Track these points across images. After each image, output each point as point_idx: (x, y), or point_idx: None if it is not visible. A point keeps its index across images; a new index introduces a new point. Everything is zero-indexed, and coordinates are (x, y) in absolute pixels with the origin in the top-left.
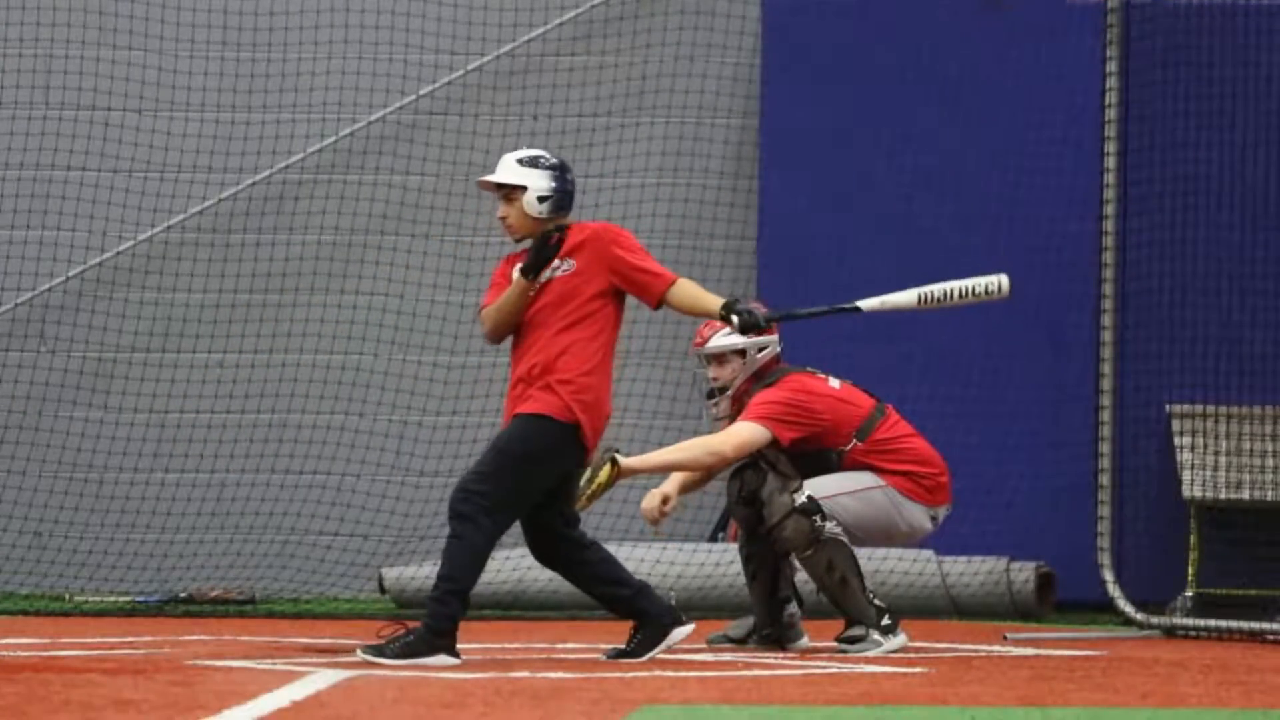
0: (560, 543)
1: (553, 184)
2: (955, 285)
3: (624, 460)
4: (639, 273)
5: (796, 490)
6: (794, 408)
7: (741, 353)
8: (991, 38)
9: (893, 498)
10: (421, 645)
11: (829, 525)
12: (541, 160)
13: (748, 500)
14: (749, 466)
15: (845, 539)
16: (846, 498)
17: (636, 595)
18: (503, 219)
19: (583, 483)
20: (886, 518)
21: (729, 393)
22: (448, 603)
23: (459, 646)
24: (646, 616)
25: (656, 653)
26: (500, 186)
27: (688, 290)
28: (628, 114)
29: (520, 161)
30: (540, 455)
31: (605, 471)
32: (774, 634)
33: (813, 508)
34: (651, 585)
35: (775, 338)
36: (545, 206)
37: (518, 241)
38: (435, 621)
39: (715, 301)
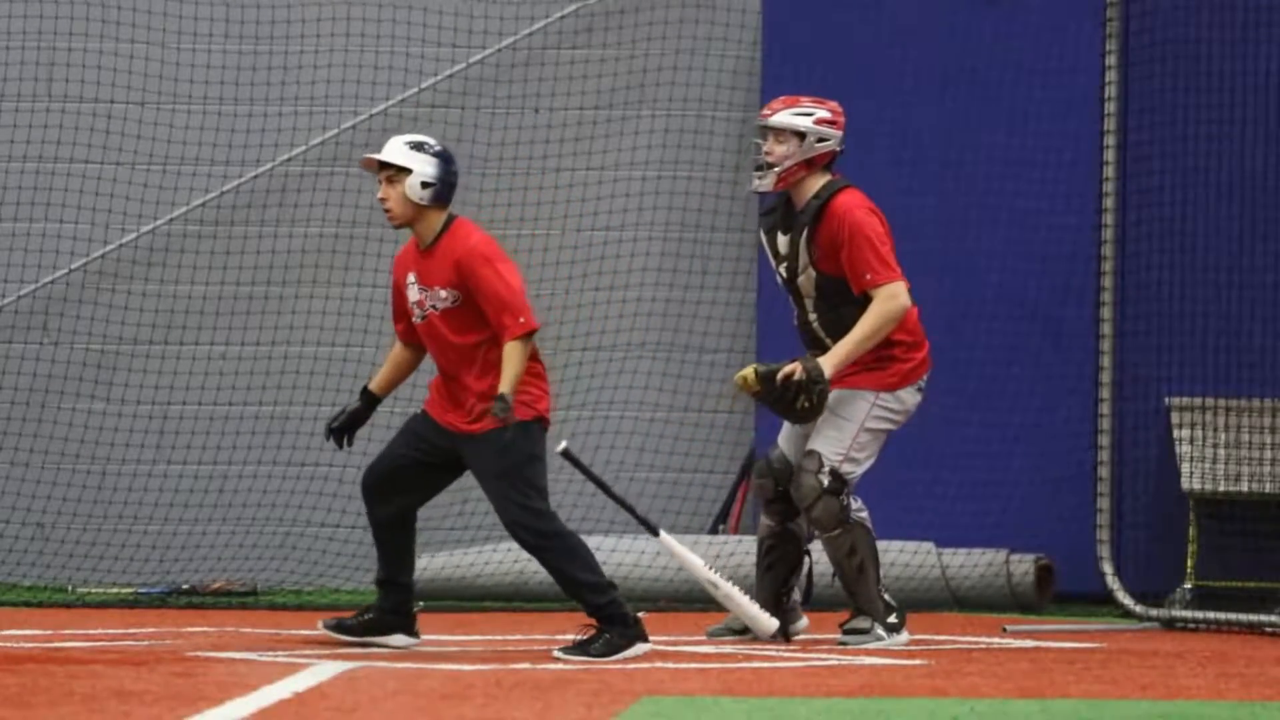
0: (394, 479)
1: (437, 172)
2: (741, 600)
3: (829, 373)
4: (499, 308)
5: (820, 470)
6: (886, 243)
7: (801, 136)
8: (992, 31)
9: (884, 402)
10: (619, 640)
11: (855, 505)
12: (428, 146)
13: (774, 473)
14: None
15: (870, 524)
16: (863, 435)
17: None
18: (382, 201)
19: (799, 406)
20: (889, 422)
21: (777, 170)
22: (606, 601)
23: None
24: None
25: None
26: (384, 167)
27: (519, 352)
28: (628, 108)
29: (409, 145)
30: (538, 453)
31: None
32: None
33: (838, 486)
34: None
35: (840, 134)
36: (428, 194)
37: (397, 229)
38: (615, 617)
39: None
